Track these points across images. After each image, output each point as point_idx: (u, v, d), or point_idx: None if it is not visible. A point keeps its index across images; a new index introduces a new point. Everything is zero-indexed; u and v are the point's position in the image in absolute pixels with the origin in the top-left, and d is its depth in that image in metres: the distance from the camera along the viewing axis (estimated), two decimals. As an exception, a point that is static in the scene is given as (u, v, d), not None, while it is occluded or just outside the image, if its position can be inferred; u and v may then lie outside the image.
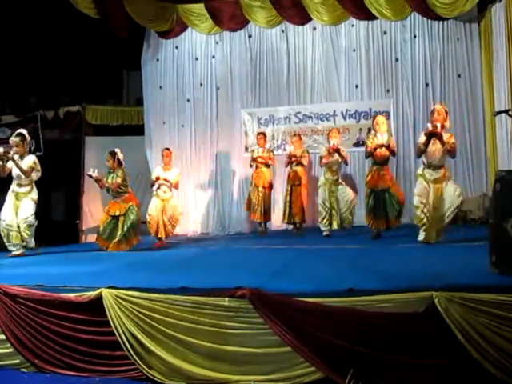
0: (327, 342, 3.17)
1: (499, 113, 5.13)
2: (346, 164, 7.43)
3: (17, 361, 3.80)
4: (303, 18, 8.51)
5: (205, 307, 3.39)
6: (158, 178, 7.00)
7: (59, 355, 3.67)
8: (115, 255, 6.18)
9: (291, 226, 8.05)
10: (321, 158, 7.32)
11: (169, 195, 7.07)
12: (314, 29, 8.89)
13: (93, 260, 5.78)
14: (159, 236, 6.95)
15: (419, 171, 5.70)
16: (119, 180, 6.54)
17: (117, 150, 6.73)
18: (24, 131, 6.43)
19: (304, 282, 3.70)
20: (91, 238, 9.48)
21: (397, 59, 8.64)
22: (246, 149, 9.01)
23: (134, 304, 3.53)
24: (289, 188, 7.84)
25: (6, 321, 3.82)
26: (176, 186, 7.14)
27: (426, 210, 5.46)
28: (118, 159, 6.66)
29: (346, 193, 7.21)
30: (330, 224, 7.24)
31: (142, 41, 9.54)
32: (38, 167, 6.29)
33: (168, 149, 7.40)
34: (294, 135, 8.13)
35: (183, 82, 9.47)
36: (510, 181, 3.57)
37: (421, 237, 5.62)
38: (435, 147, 5.44)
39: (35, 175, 6.27)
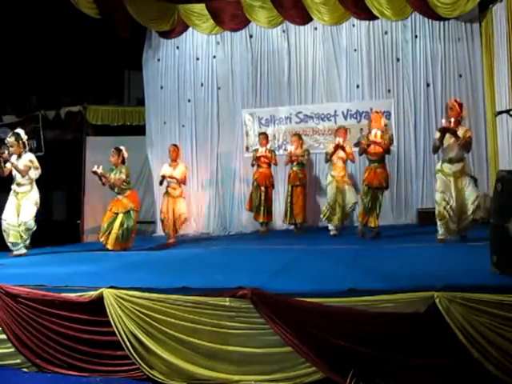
0: (328, 342, 3.17)
1: (500, 113, 5.12)
2: (353, 161, 7.50)
3: (18, 361, 3.80)
4: (304, 18, 8.51)
5: (206, 307, 3.39)
6: (164, 177, 7.06)
7: (60, 355, 3.67)
8: (115, 255, 6.19)
9: (292, 226, 8.04)
10: (326, 154, 7.38)
11: (178, 192, 7.15)
12: (315, 29, 8.89)
13: (94, 260, 5.79)
14: (170, 233, 7.07)
15: (438, 166, 5.70)
16: (123, 176, 6.59)
17: (122, 147, 6.80)
18: (20, 131, 6.45)
19: (305, 282, 3.71)
20: (92, 237, 9.50)
21: (398, 59, 8.64)
22: (247, 149, 9.01)
23: (135, 304, 3.53)
24: (289, 188, 7.85)
25: (7, 321, 3.81)
26: (183, 182, 7.20)
27: (448, 207, 5.43)
28: (123, 156, 6.72)
29: (351, 191, 7.26)
30: (330, 220, 7.28)
31: (143, 41, 9.54)
32: (36, 165, 6.29)
33: (175, 145, 7.51)
34: (294, 134, 8.14)
35: (184, 82, 9.46)
36: (511, 181, 3.57)
37: (440, 233, 5.59)
38: (452, 141, 5.44)
39: (34, 173, 6.27)
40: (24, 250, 6.19)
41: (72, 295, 3.69)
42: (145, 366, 3.46)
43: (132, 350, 3.49)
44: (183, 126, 9.43)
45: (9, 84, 9.50)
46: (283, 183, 8.72)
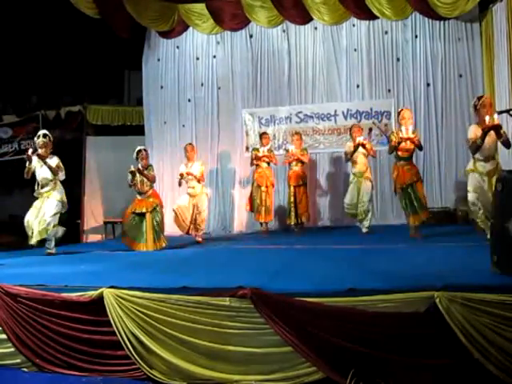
0: (328, 342, 3.17)
1: (500, 112, 5.12)
2: (374, 156, 7.57)
3: (18, 360, 3.80)
4: (304, 17, 8.50)
5: (206, 307, 3.39)
6: (182, 175, 7.07)
7: (60, 355, 3.67)
8: (116, 255, 6.19)
9: (292, 226, 8.03)
10: (346, 154, 7.38)
11: (198, 190, 7.14)
12: (315, 29, 8.89)
13: (94, 260, 5.79)
14: (190, 233, 7.10)
15: (470, 166, 5.46)
16: (153, 173, 6.65)
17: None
18: (48, 132, 6.40)
19: (305, 282, 3.71)
20: (92, 237, 9.52)
21: (398, 59, 8.65)
22: (247, 149, 9.01)
23: (135, 304, 3.53)
24: (292, 189, 7.82)
25: (7, 320, 3.82)
26: (201, 179, 7.21)
27: (483, 210, 5.19)
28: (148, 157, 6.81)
29: (368, 188, 7.26)
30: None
31: (143, 41, 9.55)
32: (62, 167, 6.27)
33: (190, 144, 7.55)
34: (296, 133, 8.13)
35: (184, 82, 9.47)
36: (511, 181, 3.56)
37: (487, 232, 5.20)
38: (490, 139, 5.21)
39: (62, 175, 6.25)
40: (51, 250, 6.13)
41: (72, 295, 3.70)
42: (145, 366, 3.46)
43: (132, 350, 3.49)
44: (183, 125, 9.44)
45: (9, 84, 9.51)
46: (283, 183, 8.72)
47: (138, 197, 6.61)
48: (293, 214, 7.76)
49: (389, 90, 8.67)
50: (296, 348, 3.21)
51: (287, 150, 7.97)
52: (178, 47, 9.53)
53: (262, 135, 8.22)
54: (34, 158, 6.15)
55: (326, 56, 8.87)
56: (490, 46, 7.92)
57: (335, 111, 8.81)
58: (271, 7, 8.45)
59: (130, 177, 6.53)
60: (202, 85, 9.37)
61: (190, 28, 9.23)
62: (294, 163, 7.83)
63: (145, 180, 6.55)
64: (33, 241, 6.08)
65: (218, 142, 9.26)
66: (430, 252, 5.21)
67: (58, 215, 6.20)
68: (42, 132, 6.41)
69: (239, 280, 3.57)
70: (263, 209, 7.92)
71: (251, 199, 8.11)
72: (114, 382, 3.51)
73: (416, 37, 8.56)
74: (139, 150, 6.68)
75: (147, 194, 6.60)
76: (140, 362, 3.47)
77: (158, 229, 6.48)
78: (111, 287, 3.64)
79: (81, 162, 9.53)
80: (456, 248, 5.34)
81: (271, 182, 8.07)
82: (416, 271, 3.96)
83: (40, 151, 6.16)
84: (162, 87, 9.56)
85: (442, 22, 8.34)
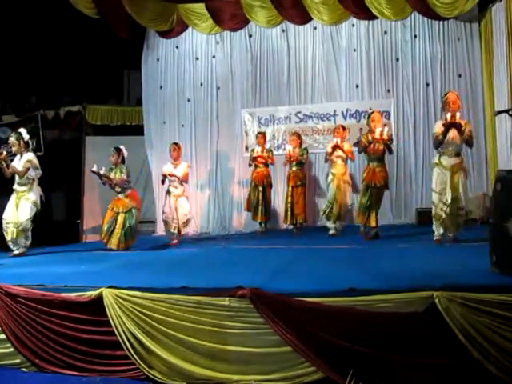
0: (328, 342, 3.17)
1: (500, 112, 5.12)
2: (352, 160, 7.49)
3: (17, 360, 3.80)
4: (304, 17, 8.48)
5: (205, 307, 3.39)
6: (165, 176, 7.04)
7: (60, 355, 3.67)
8: (115, 255, 6.18)
9: (291, 226, 8.03)
10: (326, 154, 7.42)
11: (180, 191, 7.06)
12: (315, 28, 8.89)
13: (93, 260, 5.78)
14: (174, 232, 7.00)
15: (435, 160, 5.61)
16: (124, 176, 6.58)
17: (122, 146, 6.78)
18: (22, 130, 6.45)
19: (304, 282, 3.71)
20: (92, 237, 9.50)
21: (397, 59, 8.65)
22: (247, 148, 9.00)
23: (135, 304, 3.53)
24: (290, 189, 7.82)
25: (6, 320, 3.81)
26: (184, 180, 7.12)
27: (445, 208, 5.39)
28: (123, 156, 6.71)
29: (349, 191, 7.30)
30: (328, 218, 7.31)
31: (142, 40, 9.53)
32: (36, 164, 6.27)
33: (176, 143, 7.43)
34: (293, 134, 8.12)
35: (183, 82, 9.46)
36: (511, 180, 3.57)
37: (436, 234, 5.58)
38: (453, 134, 5.38)
39: (34, 173, 6.25)
40: (23, 250, 6.18)
41: (71, 295, 3.69)
42: (144, 366, 3.46)
43: (131, 350, 3.49)
44: (183, 125, 9.43)
45: (8, 84, 9.49)
46: (282, 183, 8.73)
47: (117, 196, 6.62)
48: (289, 214, 7.76)
49: (388, 90, 8.67)
50: (295, 348, 3.21)
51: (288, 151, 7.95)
52: (177, 47, 9.52)
53: (258, 135, 8.23)
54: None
55: (325, 56, 8.87)
56: (489, 45, 7.92)
57: (334, 111, 8.81)
58: (271, 7, 8.44)
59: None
60: (202, 85, 9.36)
61: (190, 28, 9.21)
62: (293, 163, 7.82)
63: (119, 180, 6.54)
64: (10, 236, 6.12)
65: (217, 142, 9.26)
66: (429, 252, 5.21)
67: (31, 219, 6.20)
68: (15, 131, 6.49)
69: (239, 280, 3.57)
70: (260, 209, 7.93)
71: (249, 199, 8.12)
72: (114, 382, 3.51)
73: (415, 37, 8.56)
74: (112, 148, 6.72)
75: (124, 193, 6.59)
76: (139, 362, 3.47)
77: (130, 231, 6.45)
78: (111, 287, 3.63)
79: (80, 162, 9.53)
80: (455, 248, 5.35)
81: (269, 183, 8.07)
82: (415, 271, 3.97)
83: (13, 150, 6.26)
84: (161, 87, 9.55)
85: (441, 22, 8.34)
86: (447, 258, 4.69)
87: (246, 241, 7.55)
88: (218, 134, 9.27)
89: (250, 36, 9.16)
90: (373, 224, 6.41)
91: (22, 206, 6.16)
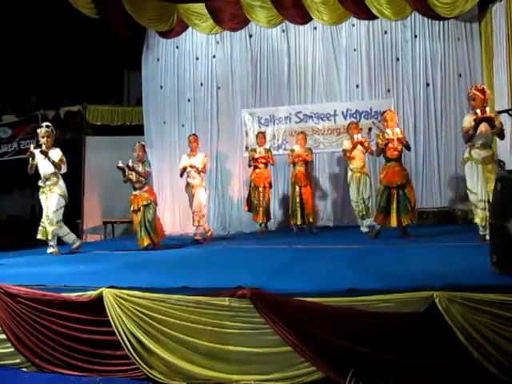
0: (328, 342, 3.17)
1: (500, 112, 5.13)
2: (372, 154, 7.45)
3: (17, 360, 3.80)
4: (304, 17, 8.49)
5: (205, 307, 3.39)
6: (185, 168, 7.16)
7: (60, 355, 3.67)
8: (115, 255, 6.19)
9: (291, 226, 8.02)
10: (344, 151, 7.40)
11: (198, 181, 7.23)
12: (315, 28, 8.90)
13: (94, 260, 5.78)
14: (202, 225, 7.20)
15: (466, 154, 5.50)
16: (149, 169, 6.68)
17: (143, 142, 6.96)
18: (50, 124, 6.48)
19: (304, 282, 3.71)
20: (92, 237, 9.51)
21: (397, 59, 8.65)
22: (247, 148, 9.00)
23: (135, 304, 3.53)
24: (297, 189, 7.75)
25: (6, 320, 3.81)
26: (203, 170, 7.32)
27: (487, 206, 5.13)
28: (146, 152, 6.83)
29: (368, 183, 7.36)
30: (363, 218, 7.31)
31: (142, 40, 9.54)
32: (65, 160, 6.28)
33: (194, 134, 7.61)
34: (301, 133, 8.08)
35: (184, 82, 9.47)
36: (511, 180, 3.57)
37: (484, 232, 5.25)
38: (484, 128, 5.25)
39: (64, 168, 6.27)
40: (76, 242, 6.35)
41: (72, 295, 3.69)
42: (144, 366, 3.46)
43: (132, 350, 3.49)
44: (183, 125, 9.43)
45: (8, 84, 9.49)
46: (282, 183, 8.73)
47: (134, 192, 6.59)
48: (299, 214, 7.70)
49: (388, 90, 8.67)
50: (295, 348, 3.21)
51: (292, 150, 7.91)
52: (177, 47, 9.53)
53: (258, 135, 8.24)
54: (37, 152, 6.15)
55: (325, 56, 8.87)
56: (489, 45, 7.93)
57: (335, 111, 8.81)
58: (271, 7, 8.44)
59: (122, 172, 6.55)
60: (202, 85, 9.37)
61: (190, 28, 9.22)
62: (299, 163, 7.79)
63: (145, 173, 6.56)
64: (38, 235, 6.16)
65: (217, 142, 9.26)
66: (429, 252, 5.21)
67: (61, 211, 6.22)
68: (45, 123, 6.51)
69: (239, 280, 3.57)
70: (260, 209, 7.93)
71: (249, 199, 8.12)
72: (114, 382, 3.51)
73: (415, 37, 8.57)
74: (136, 143, 6.71)
75: (143, 189, 6.58)
76: (140, 362, 3.47)
77: (149, 225, 6.43)
78: (111, 287, 3.63)
79: (80, 161, 9.53)
80: (455, 248, 5.35)
81: (269, 183, 8.07)
82: (415, 271, 3.96)
83: (42, 141, 6.19)
84: (161, 87, 9.56)
85: (441, 22, 8.35)
86: (447, 258, 4.69)
87: (246, 240, 7.55)
88: (218, 134, 9.28)
89: (250, 36, 9.16)
90: (393, 225, 6.27)
91: (50, 200, 6.13)
